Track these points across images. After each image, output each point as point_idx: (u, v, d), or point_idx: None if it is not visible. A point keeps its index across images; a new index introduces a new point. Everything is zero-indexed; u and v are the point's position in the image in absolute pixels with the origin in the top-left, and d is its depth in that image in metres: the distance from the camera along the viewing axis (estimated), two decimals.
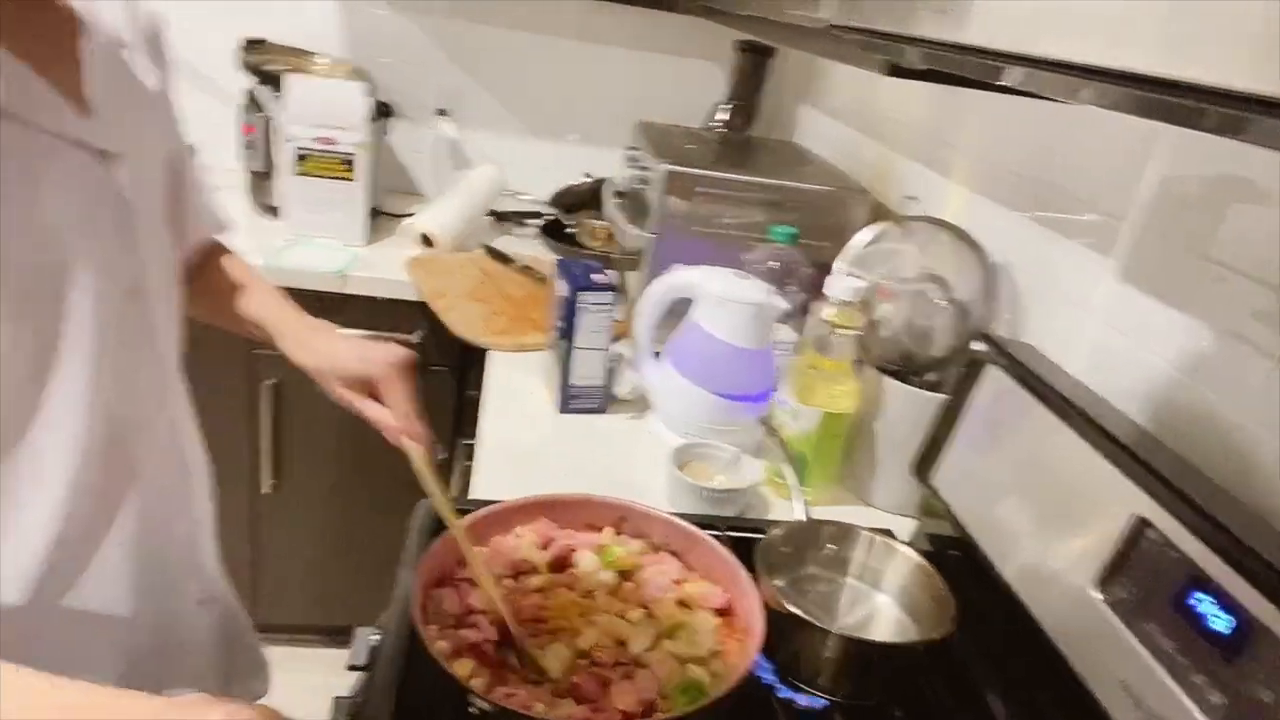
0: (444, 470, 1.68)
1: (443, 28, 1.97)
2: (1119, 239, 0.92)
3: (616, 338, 1.22)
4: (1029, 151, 1.14)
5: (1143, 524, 0.67)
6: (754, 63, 1.84)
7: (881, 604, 0.86)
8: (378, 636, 0.81)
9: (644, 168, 1.45)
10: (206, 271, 0.91)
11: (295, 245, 1.64)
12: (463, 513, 0.81)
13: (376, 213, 1.80)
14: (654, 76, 2.05)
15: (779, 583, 0.83)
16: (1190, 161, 0.84)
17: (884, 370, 1.08)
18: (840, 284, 1.03)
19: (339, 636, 1.92)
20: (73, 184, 0.60)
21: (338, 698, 0.78)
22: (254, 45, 1.72)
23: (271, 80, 1.67)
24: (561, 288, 1.22)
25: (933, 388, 1.06)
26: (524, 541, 0.85)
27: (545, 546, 0.84)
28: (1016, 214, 1.13)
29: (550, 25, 2.00)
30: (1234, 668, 0.57)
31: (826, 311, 1.05)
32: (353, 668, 0.80)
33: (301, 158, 1.62)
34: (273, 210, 1.73)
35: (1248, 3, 0.33)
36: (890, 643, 0.80)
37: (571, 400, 1.23)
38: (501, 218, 1.96)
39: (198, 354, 0.82)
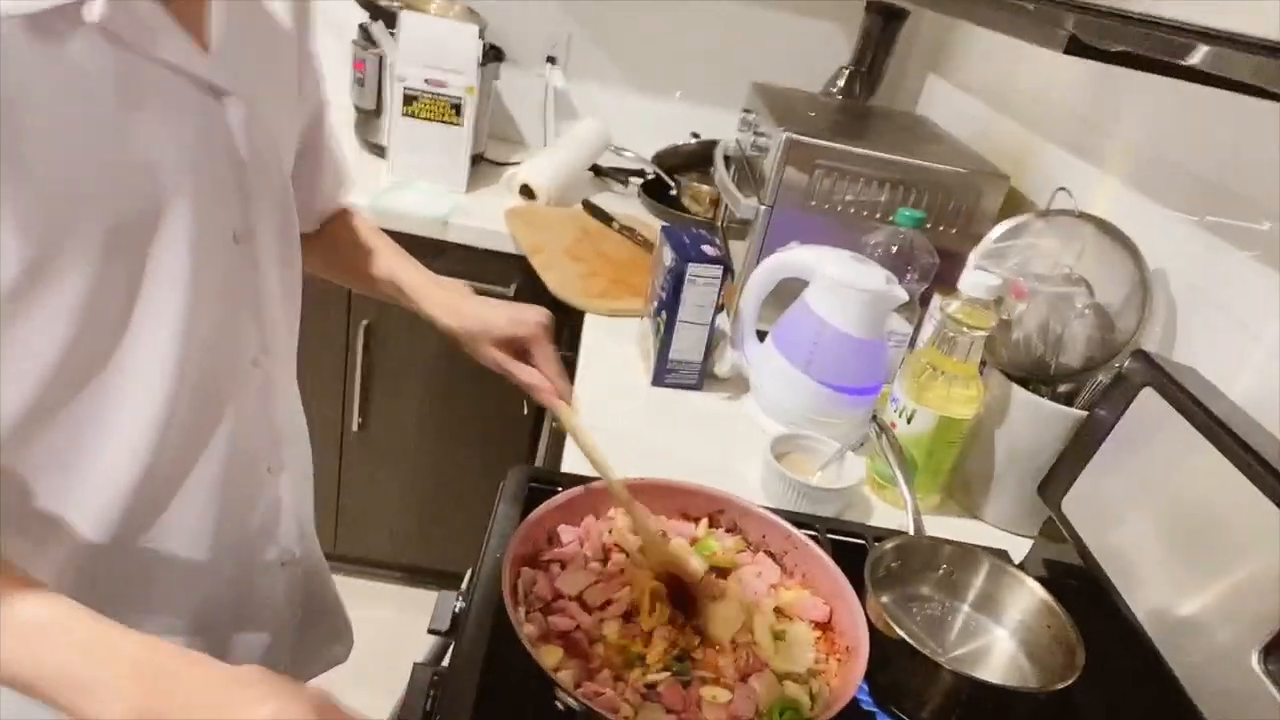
0: (533, 433, 1.67)
1: None
2: None
3: (718, 309, 1.16)
4: (1203, 145, 1.02)
5: None
6: (883, 26, 1.72)
7: (998, 638, 0.80)
8: (460, 603, 0.79)
9: (760, 133, 1.37)
10: (334, 229, 0.91)
11: (400, 188, 1.62)
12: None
13: (478, 159, 1.76)
14: (771, 34, 1.93)
15: (886, 599, 0.78)
16: None
17: (1011, 377, 0.99)
18: (975, 279, 0.95)
19: (414, 575, 1.96)
20: (176, 118, 0.57)
21: (417, 664, 0.76)
22: None
23: (385, 16, 1.65)
24: (667, 256, 1.16)
25: (1065, 401, 0.97)
26: (616, 524, 0.81)
27: (635, 533, 0.80)
28: (1179, 216, 1.02)
29: None
30: None
31: (954, 307, 0.97)
32: (433, 631, 0.79)
33: (409, 99, 1.60)
34: (379, 150, 1.72)
35: None
36: (1010, 687, 0.73)
37: (668, 374, 1.19)
38: (601, 173, 1.90)
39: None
